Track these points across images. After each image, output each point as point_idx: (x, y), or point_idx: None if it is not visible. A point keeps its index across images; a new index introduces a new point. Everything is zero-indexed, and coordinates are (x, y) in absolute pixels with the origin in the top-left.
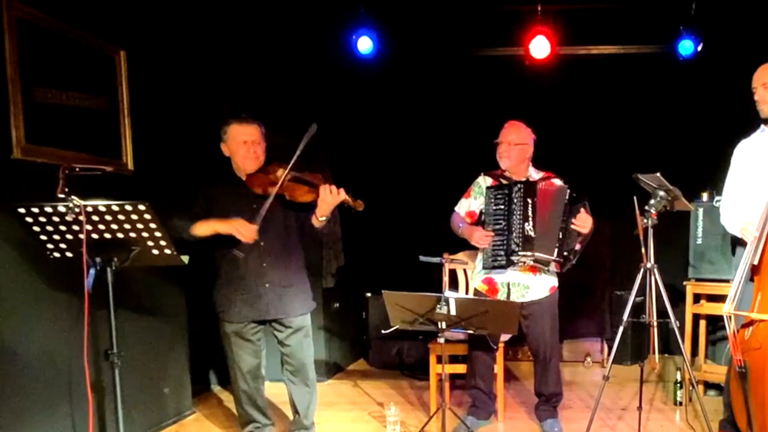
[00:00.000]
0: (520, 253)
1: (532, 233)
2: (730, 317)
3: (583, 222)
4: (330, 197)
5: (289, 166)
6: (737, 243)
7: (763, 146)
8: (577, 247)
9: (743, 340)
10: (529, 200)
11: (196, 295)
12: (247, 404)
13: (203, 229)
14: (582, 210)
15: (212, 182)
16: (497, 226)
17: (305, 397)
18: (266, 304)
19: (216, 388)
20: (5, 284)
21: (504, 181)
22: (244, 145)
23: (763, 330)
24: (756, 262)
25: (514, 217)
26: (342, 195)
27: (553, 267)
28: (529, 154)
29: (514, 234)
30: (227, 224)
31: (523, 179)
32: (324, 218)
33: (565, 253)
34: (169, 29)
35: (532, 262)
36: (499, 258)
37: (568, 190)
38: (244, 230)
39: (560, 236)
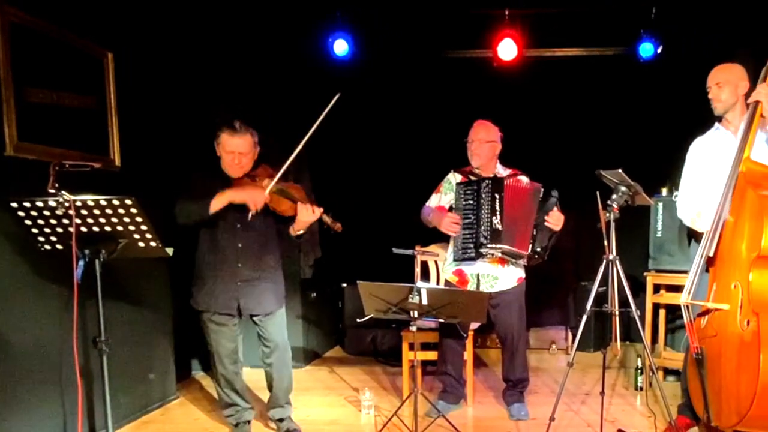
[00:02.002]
0: (488, 245)
1: (499, 227)
2: (687, 306)
3: (556, 220)
4: (307, 216)
5: (275, 180)
6: (693, 236)
7: (717, 144)
8: (549, 242)
9: (700, 328)
10: (497, 195)
11: (180, 285)
12: (226, 387)
13: (218, 203)
14: (555, 208)
15: (203, 172)
16: (467, 221)
17: (281, 377)
18: (235, 300)
19: (200, 374)
20: None
21: (473, 178)
22: (230, 154)
23: (718, 318)
24: (712, 254)
25: (483, 211)
26: (317, 214)
27: (520, 260)
28: (497, 152)
29: (483, 228)
30: (242, 192)
31: (491, 176)
32: (301, 232)
33: (538, 249)
34: (155, 33)
35: (500, 255)
36: (469, 251)
37: (542, 189)
38: (257, 197)
39: (534, 232)
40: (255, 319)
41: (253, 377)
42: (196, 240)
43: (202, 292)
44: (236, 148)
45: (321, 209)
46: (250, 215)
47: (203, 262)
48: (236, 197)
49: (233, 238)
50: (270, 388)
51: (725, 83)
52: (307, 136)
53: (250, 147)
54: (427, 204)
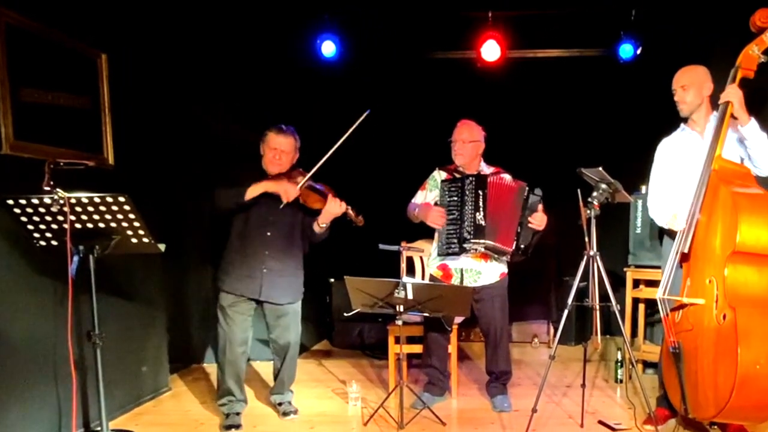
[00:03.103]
0: (472, 241)
1: (482, 223)
2: (663, 301)
3: (540, 221)
4: (334, 208)
5: (308, 176)
6: (664, 233)
7: (684, 144)
8: (532, 240)
9: (676, 323)
10: (480, 192)
11: (178, 279)
12: (228, 374)
13: (254, 191)
14: (539, 208)
15: (244, 174)
16: (451, 216)
17: (287, 371)
18: (259, 286)
19: (193, 366)
20: None
21: (457, 175)
22: (273, 151)
23: (693, 313)
24: (686, 251)
25: (466, 207)
26: (344, 207)
27: (503, 256)
28: (481, 150)
29: (466, 223)
30: (276, 183)
31: (475, 173)
32: (324, 225)
33: (522, 246)
34: (147, 35)
35: (483, 250)
36: (453, 246)
37: (527, 188)
38: (289, 191)
39: (518, 230)
40: (268, 316)
41: (250, 370)
42: (226, 228)
43: (229, 275)
44: (279, 146)
45: (345, 203)
46: (281, 205)
47: (233, 248)
48: (271, 187)
49: (263, 227)
50: (275, 377)
51: (690, 85)
52: (342, 140)
53: (292, 148)
54: (412, 201)
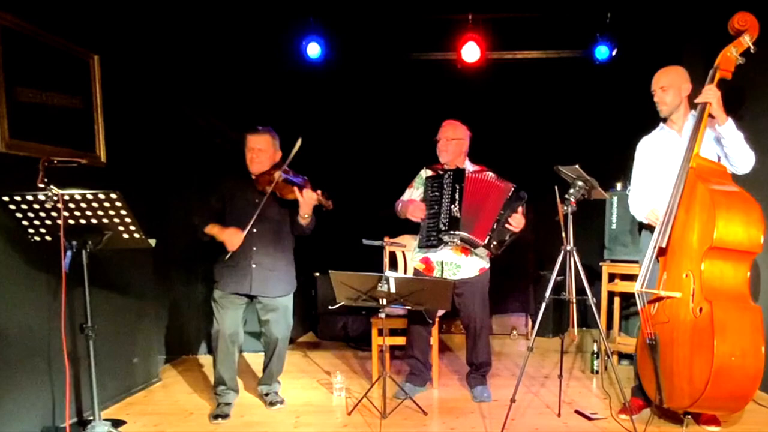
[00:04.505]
0: (448, 233)
1: (458, 214)
2: (640, 294)
3: (517, 222)
4: (308, 195)
5: (281, 169)
6: (642, 228)
7: (662, 142)
8: (507, 238)
9: (652, 315)
10: (457, 186)
11: (173, 274)
12: (220, 363)
13: (209, 231)
14: (520, 210)
15: (229, 176)
16: (431, 211)
17: (275, 364)
18: (250, 282)
19: (184, 357)
20: None
21: (441, 172)
22: (251, 151)
23: (670, 306)
24: (664, 245)
25: (444, 199)
26: (318, 193)
27: (483, 252)
28: (465, 148)
29: (443, 215)
30: (223, 233)
31: (454, 168)
32: (307, 216)
33: (495, 242)
34: (139, 37)
35: (459, 242)
36: (432, 238)
37: (514, 189)
38: (233, 239)
39: (494, 226)
40: (260, 311)
41: (240, 361)
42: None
43: (222, 274)
44: (255, 145)
45: (319, 191)
46: (228, 255)
47: (223, 246)
48: (219, 236)
49: (248, 224)
50: (264, 369)
51: (669, 86)
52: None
53: (269, 145)
54: (400, 198)
